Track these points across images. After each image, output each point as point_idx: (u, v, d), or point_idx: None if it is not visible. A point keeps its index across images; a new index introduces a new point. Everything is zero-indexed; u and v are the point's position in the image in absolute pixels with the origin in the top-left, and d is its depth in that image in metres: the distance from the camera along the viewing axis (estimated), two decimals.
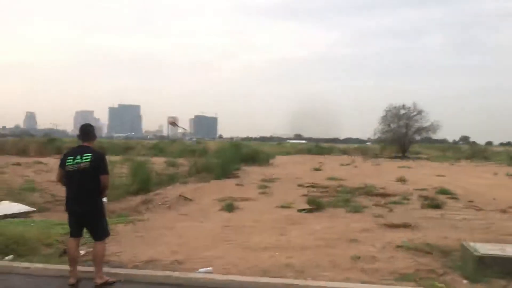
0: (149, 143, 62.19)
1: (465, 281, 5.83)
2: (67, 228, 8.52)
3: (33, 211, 10.89)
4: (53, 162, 27.09)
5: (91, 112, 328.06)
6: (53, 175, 19.68)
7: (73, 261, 5.43)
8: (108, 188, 5.64)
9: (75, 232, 5.48)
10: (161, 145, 50.51)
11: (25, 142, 36.98)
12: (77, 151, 5.38)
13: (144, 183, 16.07)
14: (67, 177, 5.36)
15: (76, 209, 5.33)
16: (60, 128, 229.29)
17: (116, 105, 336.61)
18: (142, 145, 49.83)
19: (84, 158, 5.23)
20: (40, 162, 25.48)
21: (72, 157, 5.30)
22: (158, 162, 25.15)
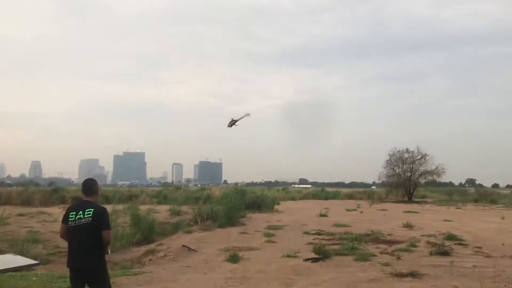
0: (153, 190, 62.01)
1: None
2: (69, 282, 8.48)
3: (36, 264, 10.75)
4: (58, 212, 26.99)
5: (96, 160, 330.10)
6: (57, 226, 19.57)
7: None
8: (111, 243, 5.60)
9: None
10: (165, 192, 50.36)
11: (29, 192, 36.89)
12: (80, 206, 5.39)
13: (147, 233, 15.91)
14: (69, 232, 5.34)
15: (78, 266, 5.27)
16: (65, 176, 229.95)
17: (121, 153, 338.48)
18: (146, 193, 49.66)
19: (86, 213, 5.23)
20: (44, 212, 25.36)
21: (74, 213, 5.30)
22: (162, 210, 25.02)
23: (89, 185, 5.54)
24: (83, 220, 5.22)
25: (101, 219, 5.27)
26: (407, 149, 55.66)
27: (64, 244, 14.23)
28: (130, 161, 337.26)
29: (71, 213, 5.33)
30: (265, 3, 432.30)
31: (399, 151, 55.86)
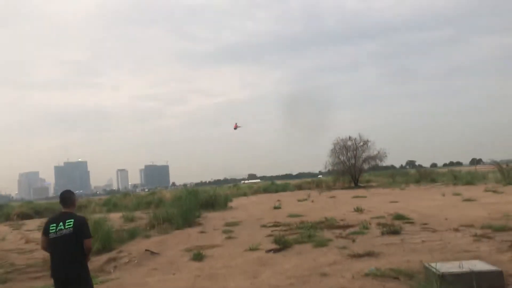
0: (100, 199, 60.40)
1: None
2: None
3: None
4: (4, 230, 25.98)
5: (36, 173, 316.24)
6: (6, 244, 18.92)
7: None
8: (92, 251, 5.75)
9: None
10: (114, 200, 49.30)
11: None
12: (59, 217, 5.52)
13: (105, 242, 15.74)
14: (50, 244, 5.45)
15: (62, 275, 5.38)
16: (3, 192, 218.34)
17: (62, 164, 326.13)
18: (94, 202, 48.43)
19: (67, 224, 5.38)
20: None
21: (55, 224, 5.43)
22: (115, 218, 24.64)
23: (67, 197, 5.69)
24: (64, 231, 5.35)
25: (82, 228, 5.44)
26: (349, 137, 57.63)
27: (19, 261, 13.93)
28: (72, 171, 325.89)
29: (51, 225, 5.45)
30: (200, 1, 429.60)
31: (342, 139, 57.74)
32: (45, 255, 14.44)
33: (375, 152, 56.31)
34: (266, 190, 57.25)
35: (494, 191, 26.33)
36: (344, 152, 57.31)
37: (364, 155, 56.72)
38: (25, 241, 19.46)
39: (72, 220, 5.46)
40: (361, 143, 56.72)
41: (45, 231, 5.54)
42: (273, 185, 63.94)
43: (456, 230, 12.36)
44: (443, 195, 26.58)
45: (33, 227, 27.07)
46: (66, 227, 5.38)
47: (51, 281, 10.52)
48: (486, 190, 27.59)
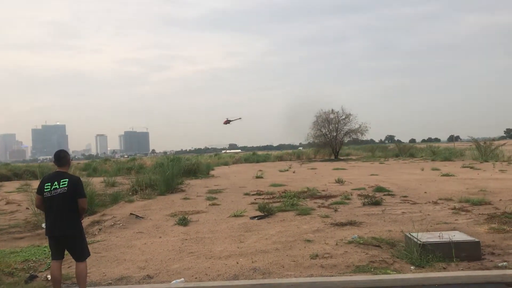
0: (79, 163, 59.84)
1: (412, 267, 6.56)
2: (23, 256, 8.49)
3: None
4: None
5: (13, 135, 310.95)
6: None
7: (57, 283, 5.56)
8: (86, 209, 5.81)
9: (57, 255, 5.59)
10: (94, 165, 48.91)
11: None
12: (54, 177, 5.55)
13: (88, 205, 15.75)
14: (46, 202, 5.48)
15: (57, 233, 5.45)
16: None
17: (39, 126, 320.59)
18: (73, 166, 47.98)
19: (62, 183, 5.42)
20: None
21: (49, 184, 5.46)
22: (96, 182, 24.54)
23: (62, 157, 5.70)
24: (59, 190, 5.39)
25: (77, 188, 5.48)
26: (332, 110, 58.02)
27: (1, 222, 13.86)
28: (50, 135, 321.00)
29: (46, 184, 5.47)
30: None
31: (325, 112, 58.11)
32: (27, 215, 14.54)
33: (357, 126, 56.95)
34: (247, 160, 57.62)
35: (471, 167, 27.04)
36: (326, 125, 57.80)
37: (346, 128, 57.36)
38: (6, 202, 19.33)
39: (67, 179, 5.51)
40: (343, 116, 57.25)
41: (40, 190, 5.57)
42: (254, 155, 64.33)
43: (435, 203, 12.73)
44: (422, 169, 27.19)
45: (12, 189, 26.85)
46: (61, 186, 5.43)
47: (35, 241, 10.60)
48: (463, 166, 28.31)
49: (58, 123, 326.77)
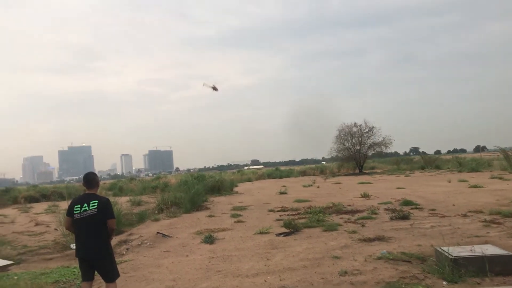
0: (105, 183, 60.73)
1: (444, 283, 6.39)
2: (53, 277, 8.60)
3: (11, 264, 10.67)
4: (13, 213, 26.28)
5: (40, 157, 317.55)
6: (16, 226, 19.15)
7: None
8: (115, 230, 5.90)
9: (87, 276, 5.66)
10: (119, 184, 49.59)
11: None
12: (83, 198, 5.66)
13: (115, 225, 15.92)
14: (75, 224, 5.58)
15: (87, 254, 5.53)
16: (8, 176, 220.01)
17: (66, 148, 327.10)
18: (100, 186, 48.69)
19: (91, 205, 5.53)
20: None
21: (79, 205, 5.57)
22: (122, 202, 24.82)
23: (90, 179, 5.81)
24: (89, 211, 5.49)
25: (106, 209, 5.57)
26: (355, 123, 57.62)
27: (31, 243, 14.12)
28: (76, 156, 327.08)
29: (75, 206, 5.58)
30: None
31: (347, 125, 57.75)
32: (56, 237, 14.74)
33: (381, 139, 56.36)
34: (270, 176, 57.46)
35: (501, 178, 26.39)
36: (349, 139, 57.36)
37: (369, 141, 56.79)
38: (35, 224, 19.71)
39: (96, 201, 5.61)
40: (367, 129, 56.75)
41: (70, 211, 5.67)
42: (277, 171, 64.11)
43: (465, 216, 12.45)
44: (449, 181, 26.67)
45: (41, 210, 27.37)
46: (91, 208, 5.53)
47: (64, 262, 10.74)
48: (492, 177, 27.65)
49: (83, 144, 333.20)
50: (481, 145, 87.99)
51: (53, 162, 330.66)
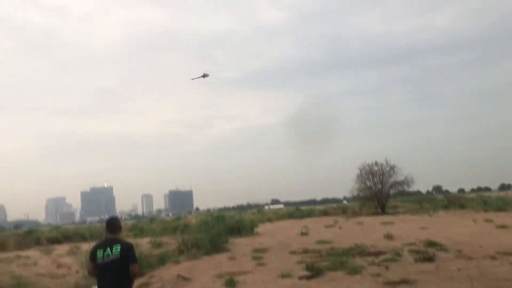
0: (126, 224, 60.96)
1: None
2: None
3: None
4: (36, 254, 26.46)
5: (63, 198, 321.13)
6: (39, 268, 19.24)
7: None
8: (137, 274, 5.91)
9: None
10: (140, 225, 49.70)
11: (2, 236, 36.01)
12: (106, 243, 5.71)
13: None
14: (98, 269, 5.62)
15: None
16: (31, 218, 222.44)
17: (88, 189, 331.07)
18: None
19: (114, 250, 5.57)
20: (22, 256, 24.82)
21: (102, 250, 5.62)
22: (142, 243, 24.83)
23: (113, 223, 5.91)
24: (112, 256, 5.53)
25: (129, 254, 5.62)
26: (375, 162, 57.08)
27: (53, 285, 14.14)
28: (98, 196, 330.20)
29: (98, 251, 5.63)
30: (223, 29, 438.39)
31: (368, 164, 57.23)
32: (77, 279, 14.73)
33: (402, 177, 55.57)
34: (291, 216, 56.81)
35: None
36: (371, 178, 56.71)
37: (391, 180, 56.02)
38: (57, 266, 19.79)
39: (119, 245, 5.65)
40: (388, 168, 56.12)
41: (92, 256, 5.72)
42: (298, 210, 63.47)
43: (493, 257, 12.07)
44: (475, 221, 25.98)
45: (63, 251, 27.48)
46: (114, 252, 5.57)
47: None
48: None
49: (105, 185, 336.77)
50: (506, 183, 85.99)
51: (76, 203, 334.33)
